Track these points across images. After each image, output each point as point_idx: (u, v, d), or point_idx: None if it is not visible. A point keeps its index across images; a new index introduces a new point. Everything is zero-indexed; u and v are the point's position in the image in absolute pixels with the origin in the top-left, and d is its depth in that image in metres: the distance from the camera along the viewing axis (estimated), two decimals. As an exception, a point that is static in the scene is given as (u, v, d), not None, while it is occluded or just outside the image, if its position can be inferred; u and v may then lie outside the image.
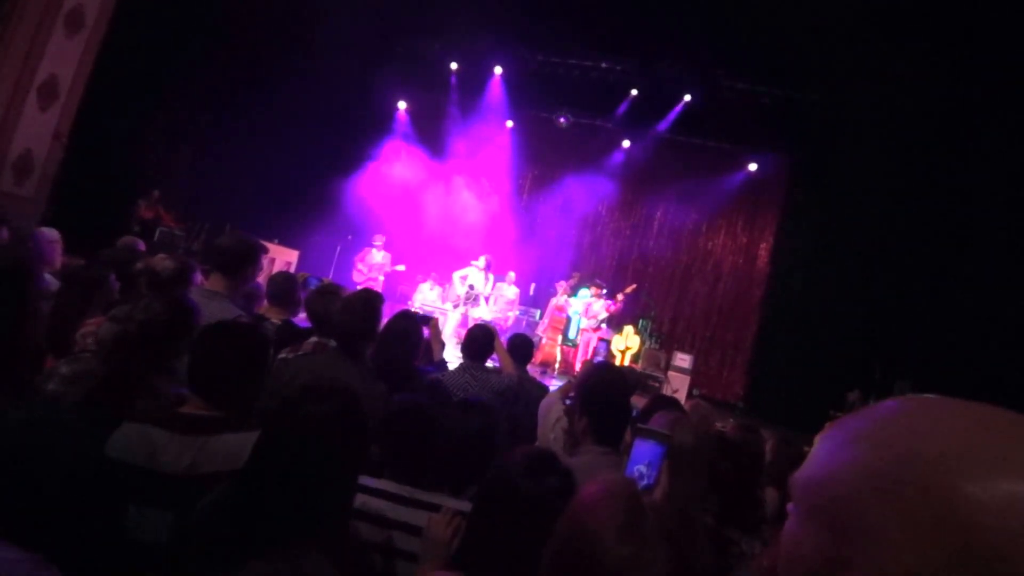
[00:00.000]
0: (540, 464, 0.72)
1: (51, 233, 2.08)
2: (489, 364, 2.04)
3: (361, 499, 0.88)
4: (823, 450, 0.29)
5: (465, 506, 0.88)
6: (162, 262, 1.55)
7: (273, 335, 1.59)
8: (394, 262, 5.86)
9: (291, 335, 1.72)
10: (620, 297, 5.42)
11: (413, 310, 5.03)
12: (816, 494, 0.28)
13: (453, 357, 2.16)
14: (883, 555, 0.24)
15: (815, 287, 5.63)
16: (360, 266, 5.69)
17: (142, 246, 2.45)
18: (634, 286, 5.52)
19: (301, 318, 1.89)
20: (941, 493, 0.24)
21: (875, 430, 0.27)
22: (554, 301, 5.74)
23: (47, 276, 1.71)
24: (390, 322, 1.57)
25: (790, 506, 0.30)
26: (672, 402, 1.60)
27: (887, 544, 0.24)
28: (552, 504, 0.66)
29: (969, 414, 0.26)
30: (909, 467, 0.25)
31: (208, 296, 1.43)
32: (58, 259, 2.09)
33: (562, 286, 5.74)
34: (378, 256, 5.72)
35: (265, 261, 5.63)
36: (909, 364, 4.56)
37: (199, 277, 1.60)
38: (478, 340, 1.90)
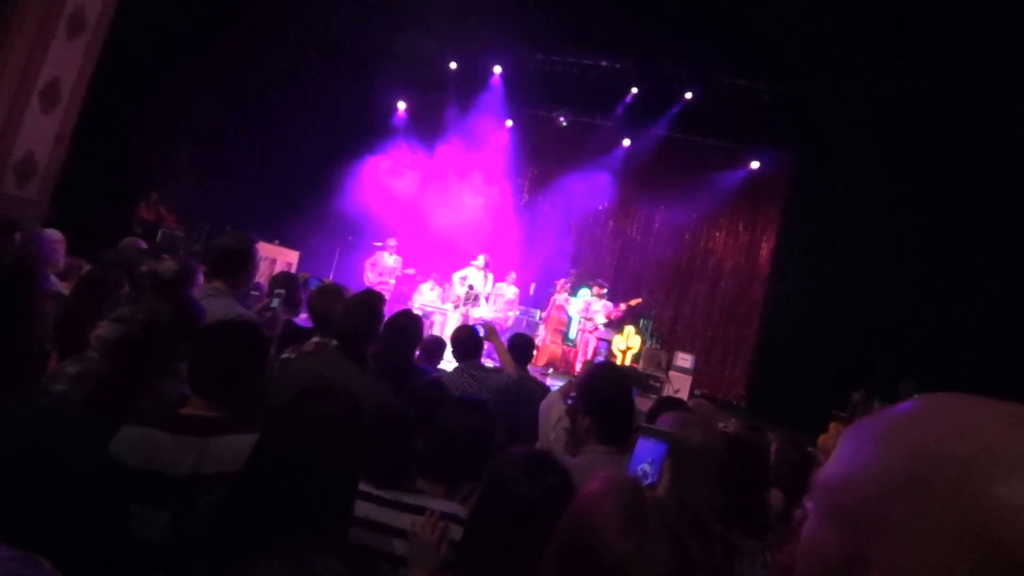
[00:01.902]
0: (538, 465, 0.72)
1: (54, 234, 2.09)
2: (489, 364, 2.04)
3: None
4: (846, 449, 0.29)
5: (449, 507, 0.87)
6: (164, 263, 1.55)
7: (278, 332, 1.59)
8: (401, 265, 5.84)
9: (293, 335, 1.72)
10: (623, 307, 5.39)
11: (415, 310, 5.03)
12: (838, 492, 0.27)
13: (454, 358, 2.16)
14: (905, 555, 0.24)
15: (818, 285, 5.60)
16: (369, 270, 5.67)
17: (144, 247, 2.46)
18: (639, 300, 5.47)
19: (302, 318, 1.89)
20: (970, 496, 0.23)
21: (901, 429, 0.27)
22: (554, 299, 5.73)
23: (51, 277, 1.72)
24: (389, 321, 1.57)
25: (809, 505, 0.30)
26: (678, 403, 1.59)
27: (910, 544, 0.24)
28: (551, 505, 0.66)
29: (999, 414, 0.25)
30: (937, 467, 0.24)
31: (211, 295, 1.43)
32: (62, 260, 2.11)
33: (562, 284, 5.73)
34: (389, 260, 5.69)
35: (266, 262, 5.67)
36: (914, 363, 4.53)
37: (202, 278, 1.60)
38: (464, 340, 1.93)
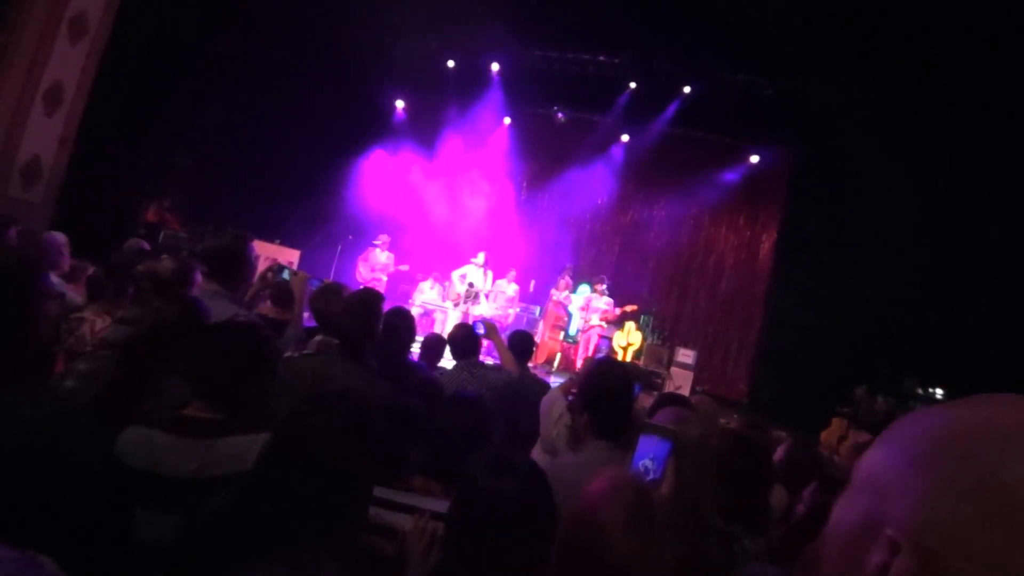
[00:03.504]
0: (503, 464, 0.72)
1: (59, 237, 2.11)
2: (490, 361, 2.04)
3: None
4: (883, 438, 0.31)
5: (440, 506, 0.87)
6: (162, 263, 1.56)
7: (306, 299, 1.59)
8: (396, 261, 5.87)
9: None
10: (618, 312, 5.40)
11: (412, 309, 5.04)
12: (867, 468, 0.30)
13: (452, 357, 2.16)
14: (916, 513, 0.26)
15: (820, 281, 5.56)
16: (362, 266, 5.71)
17: (147, 248, 2.48)
18: (635, 308, 5.51)
19: (303, 317, 1.90)
20: (984, 459, 0.25)
21: (930, 416, 0.29)
22: (555, 295, 5.71)
23: (54, 279, 1.74)
24: (384, 319, 1.58)
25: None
26: (680, 400, 1.59)
27: (922, 503, 0.26)
28: (519, 503, 0.66)
29: (1014, 401, 0.27)
30: (956, 438, 0.27)
31: (208, 297, 1.44)
32: (66, 263, 2.13)
33: (565, 283, 5.71)
34: (382, 256, 5.73)
35: (267, 261, 5.66)
36: (917, 359, 4.50)
37: (200, 277, 1.61)
38: (461, 339, 1.96)
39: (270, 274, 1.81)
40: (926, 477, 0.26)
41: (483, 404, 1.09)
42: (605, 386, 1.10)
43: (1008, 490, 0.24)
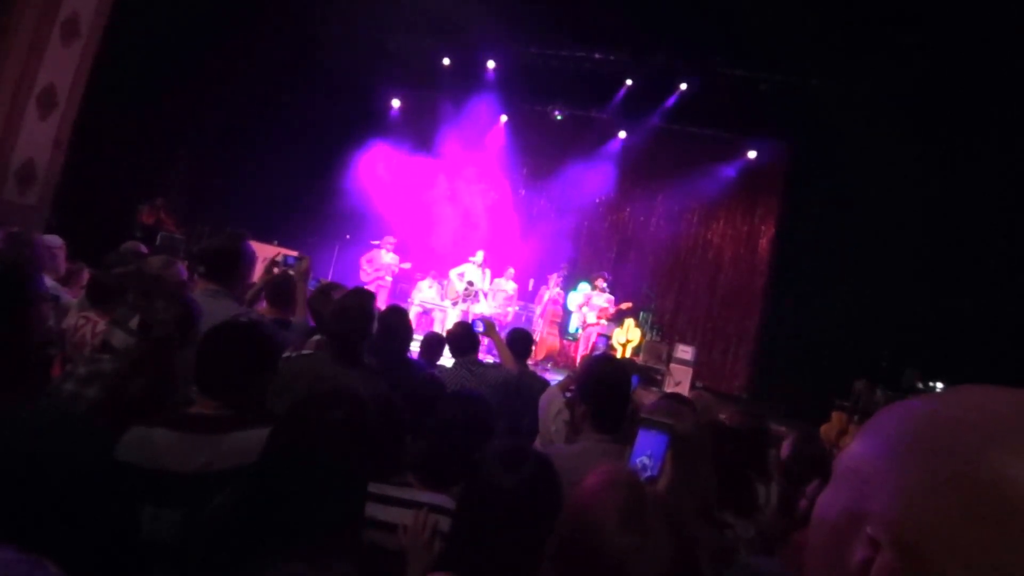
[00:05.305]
0: (514, 455, 0.73)
1: (54, 240, 2.10)
2: (489, 359, 2.05)
3: None
4: (866, 428, 0.31)
5: (438, 499, 0.87)
6: (148, 263, 1.56)
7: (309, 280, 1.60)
8: (400, 262, 5.88)
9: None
10: (612, 311, 5.43)
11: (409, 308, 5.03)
12: (850, 459, 0.30)
13: (451, 355, 2.16)
14: (898, 506, 0.25)
15: (819, 275, 5.57)
16: (366, 266, 5.71)
17: (144, 250, 2.47)
18: (629, 305, 5.55)
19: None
20: (964, 452, 0.25)
21: (914, 406, 0.29)
22: (547, 294, 5.72)
23: (51, 282, 1.73)
24: (381, 318, 1.58)
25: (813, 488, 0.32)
26: (679, 399, 1.59)
27: (904, 496, 0.25)
28: (529, 495, 0.67)
29: (1007, 393, 0.27)
30: (938, 428, 0.26)
31: (210, 296, 1.44)
32: (62, 266, 2.12)
33: (554, 278, 5.71)
34: (387, 256, 5.74)
35: (263, 262, 5.64)
36: (917, 352, 4.51)
37: (184, 272, 1.62)
38: (459, 337, 1.97)
39: (276, 267, 1.81)
40: (905, 470, 0.26)
41: (486, 402, 1.09)
42: (603, 379, 1.12)
43: (987, 484, 0.23)
